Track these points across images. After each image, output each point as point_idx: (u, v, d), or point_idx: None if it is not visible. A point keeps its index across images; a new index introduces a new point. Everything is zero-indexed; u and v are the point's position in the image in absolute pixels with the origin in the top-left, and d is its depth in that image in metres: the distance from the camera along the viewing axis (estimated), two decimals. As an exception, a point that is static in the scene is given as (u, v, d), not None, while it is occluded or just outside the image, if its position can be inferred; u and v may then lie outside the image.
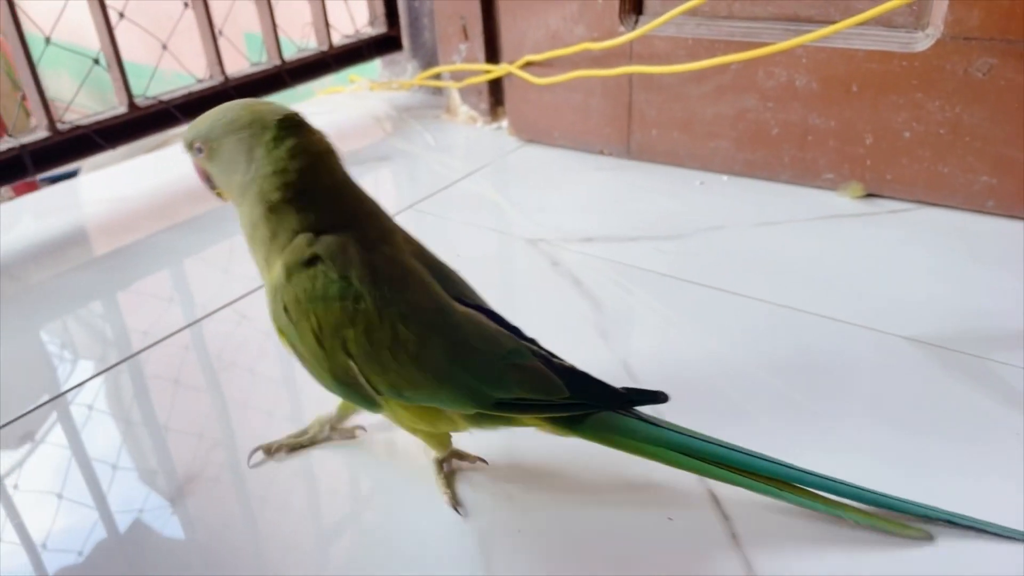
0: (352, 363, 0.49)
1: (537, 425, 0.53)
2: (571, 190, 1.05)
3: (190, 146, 0.52)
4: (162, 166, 1.23)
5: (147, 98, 1.09)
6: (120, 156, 1.19)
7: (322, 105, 1.47)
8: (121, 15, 1.05)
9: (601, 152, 1.13)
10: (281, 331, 0.50)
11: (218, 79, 1.17)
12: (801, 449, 0.55)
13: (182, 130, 0.76)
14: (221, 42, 1.16)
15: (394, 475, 0.59)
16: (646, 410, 0.53)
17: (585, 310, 0.77)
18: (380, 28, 1.43)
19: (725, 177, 1.04)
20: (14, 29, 0.94)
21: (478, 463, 0.58)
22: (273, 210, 0.48)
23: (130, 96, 1.07)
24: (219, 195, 0.54)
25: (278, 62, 1.26)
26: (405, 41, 1.46)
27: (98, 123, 1.04)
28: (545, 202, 1.01)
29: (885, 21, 0.88)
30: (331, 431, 0.61)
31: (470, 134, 1.27)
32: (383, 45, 1.44)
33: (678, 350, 0.71)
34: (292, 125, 0.49)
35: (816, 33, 0.85)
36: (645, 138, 1.07)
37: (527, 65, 1.13)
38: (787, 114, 0.96)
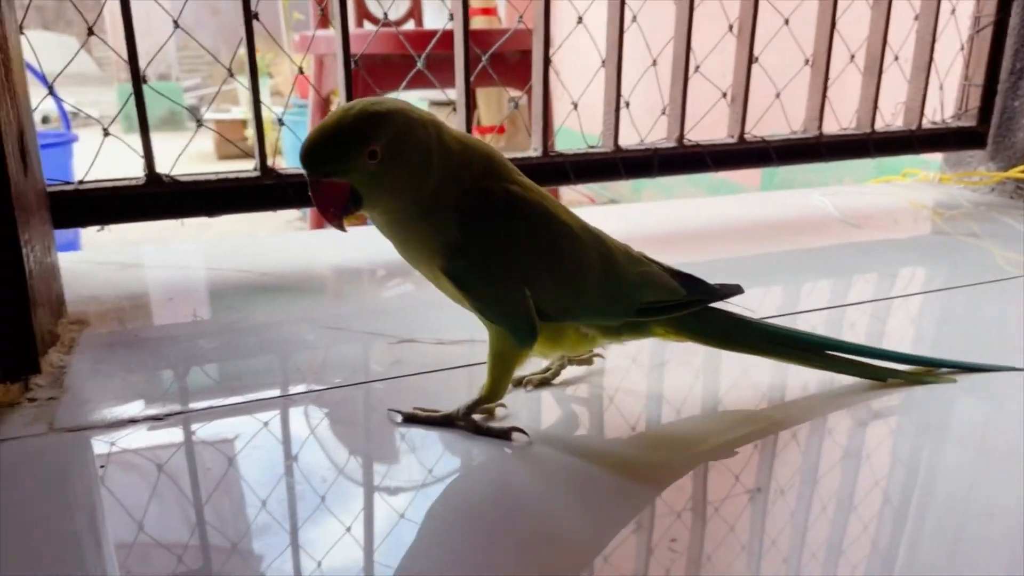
0: (527, 291, 0.54)
1: (663, 333, 0.60)
2: None
3: (361, 156, 0.48)
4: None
5: (754, 136, 1.17)
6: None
7: (876, 189, 1.43)
8: (756, 58, 1.15)
9: None
10: (457, 278, 0.53)
11: (813, 133, 1.21)
12: None
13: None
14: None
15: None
16: None
17: None
18: (968, 122, 1.35)
19: None
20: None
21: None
22: (448, 179, 0.51)
23: (743, 130, 1.15)
24: (351, 221, 0.52)
25: (868, 131, 1.25)
26: (988, 139, 1.36)
27: (713, 145, 1.13)
28: None
29: None
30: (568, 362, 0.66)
31: (1081, 235, 1.11)
32: (967, 139, 1.35)
33: None
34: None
35: None
36: None
37: None
38: None
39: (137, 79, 0.80)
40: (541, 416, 0.61)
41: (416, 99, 3.20)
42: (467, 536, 0.47)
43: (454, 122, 1.01)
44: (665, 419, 0.61)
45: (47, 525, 0.47)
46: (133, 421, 0.58)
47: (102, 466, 0.53)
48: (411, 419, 0.59)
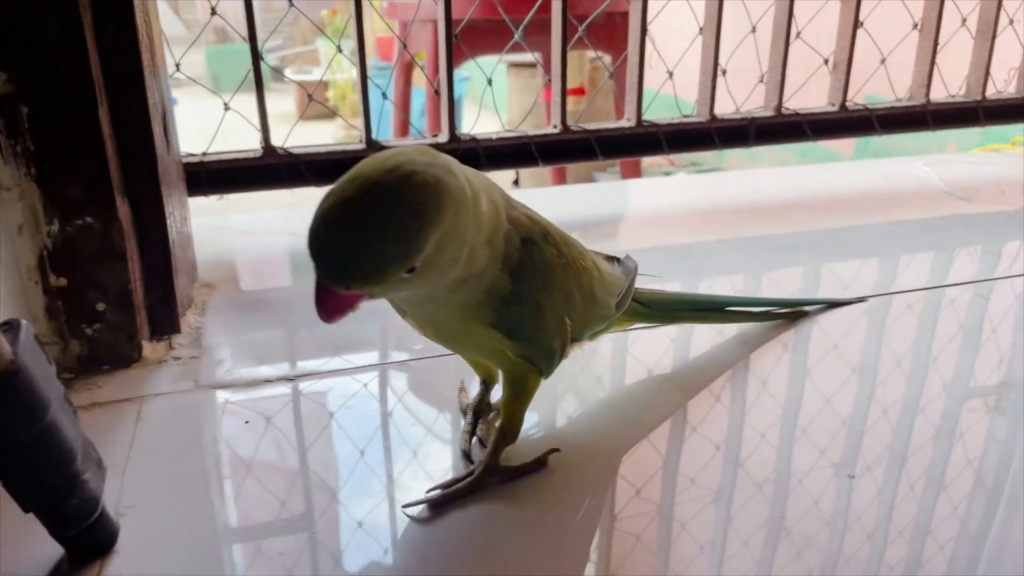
0: (568, 321, 0.50)
1: (623, 322, 0.61)
2: None
3: (399, 273, 0.38)
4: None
5: (856, 104, 1.14)
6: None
7: (983, 158, 1.37)
8: (861, 23, 1.11)
9: None
10: (511, 328, 0.47)
11: (920, 100, 1.17)
12: None
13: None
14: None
15: None
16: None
17: None
18: (1087, 87, 1.28)
19: None
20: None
21: None
22: (480, 246, 0.42)
23: (844, 98, 1.13)
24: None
25: (979, 98, 1.20)
26: (1111, 106, 1.28)
27: (813, 114, 1.11)
28: None
29: None
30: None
31: None
32: (1085, 105, 1.28)
33: None
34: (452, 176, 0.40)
35: None
36: None
37: None
38: None
39: (255, 54, 0.84)
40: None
41: (495, 60, 3.19)
42: (541, 493, 0.50)
43: (539, 86, 1.02)
44: (751, 393, 0.63)
45: (196, 475, 0.53)
46: (268, 381, 0.63)
47: (246, 421, 0.58)
48: (438, 504, 0.49)
